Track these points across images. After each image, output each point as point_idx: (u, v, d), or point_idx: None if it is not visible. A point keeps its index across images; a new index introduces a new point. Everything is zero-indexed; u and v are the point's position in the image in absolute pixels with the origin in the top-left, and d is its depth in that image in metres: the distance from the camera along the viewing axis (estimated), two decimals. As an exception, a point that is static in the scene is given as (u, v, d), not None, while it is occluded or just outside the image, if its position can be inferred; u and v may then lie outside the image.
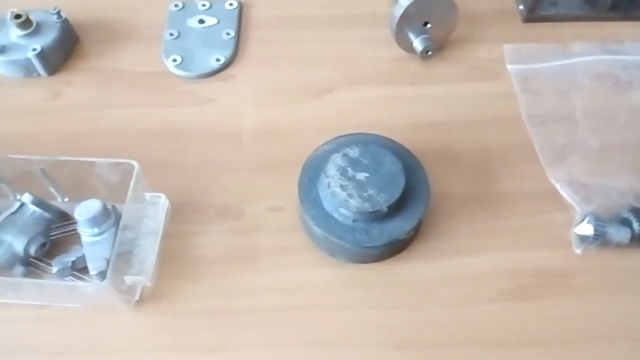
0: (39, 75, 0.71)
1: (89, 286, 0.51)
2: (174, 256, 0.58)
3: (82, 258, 0.55)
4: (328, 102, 0.69)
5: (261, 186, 0.63)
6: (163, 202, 0.56)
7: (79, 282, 0.53)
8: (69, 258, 0.55)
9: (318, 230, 0.55)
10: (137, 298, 0.55)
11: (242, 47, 0.74)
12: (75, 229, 0.59)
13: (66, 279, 0.55)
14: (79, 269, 0.56)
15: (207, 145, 0.66)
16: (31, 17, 0.70)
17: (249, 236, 0.60)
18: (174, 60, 0.71)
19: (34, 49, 0.69)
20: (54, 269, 0.55)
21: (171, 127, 0.67)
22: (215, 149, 0.65)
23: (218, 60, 0.72)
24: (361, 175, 0.55)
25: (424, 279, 0.57)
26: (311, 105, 0.69)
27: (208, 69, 0.71)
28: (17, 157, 0.56)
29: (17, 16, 0.69)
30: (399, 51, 0.72)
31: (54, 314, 0.55)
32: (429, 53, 0.70)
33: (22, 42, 0.70)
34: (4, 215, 0.56)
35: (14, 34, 0.70)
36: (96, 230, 0.55)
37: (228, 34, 0.74)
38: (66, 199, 0.60)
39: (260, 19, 0.77)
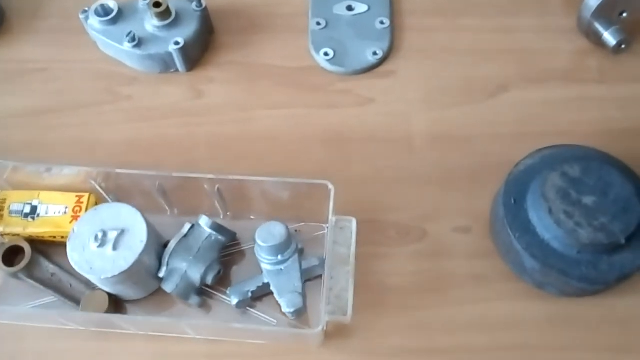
0: (177, 70, 0.64)
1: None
2: (359, 284, 0.51)
3: (262, 287, 0.49)
4: (504, 103, 0.61)
5: (442, 202, 0.56)
6: (353, 226, 0.49)
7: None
8: (247, 287, 0.49)
9: (532, 262, 0.48)
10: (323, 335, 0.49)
11: (398, 37, 0.66)
12: (237, 249, 0.53)
13: (246, 310, 0.50)
14: (254, 299, 0.50)
15: (374, 153, 0.59)
16: (170, 5, 0.63)
17: (437, 261, 0.53)
18: (326, 55, 0.64)
19: (177, 42, 0.61)
20: (234, 300, 0.49)
21: (331, 131, 0.60)
22: (384, 156, 0.58)
23: (375, 54, 0.64)
24: (588, 199, 0.47)
25: (644, 316, 0.50)
26: (486, 106, 0.61)
27: (365, 64, 0.63)
28: (185, 176, 0.50)
29: (157, 4, 0.61)
30: (580, 42, 0.64)
31: (234, 350, 0.49)
32: (623, 47, 0.61)
33: (161, 34, 0.63)
34: (176, 239, 0.49)
35: (151, 24, 0.63)
36: (279, 257, 0.49)
37: (382, 22, 0.66)
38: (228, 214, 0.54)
39: (415, 3, 0.68)
